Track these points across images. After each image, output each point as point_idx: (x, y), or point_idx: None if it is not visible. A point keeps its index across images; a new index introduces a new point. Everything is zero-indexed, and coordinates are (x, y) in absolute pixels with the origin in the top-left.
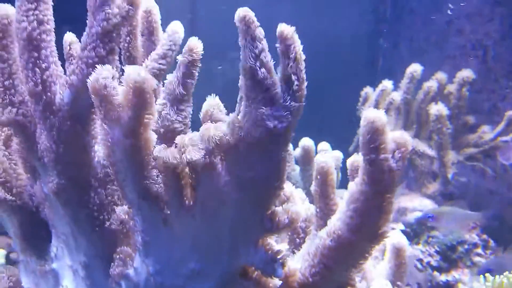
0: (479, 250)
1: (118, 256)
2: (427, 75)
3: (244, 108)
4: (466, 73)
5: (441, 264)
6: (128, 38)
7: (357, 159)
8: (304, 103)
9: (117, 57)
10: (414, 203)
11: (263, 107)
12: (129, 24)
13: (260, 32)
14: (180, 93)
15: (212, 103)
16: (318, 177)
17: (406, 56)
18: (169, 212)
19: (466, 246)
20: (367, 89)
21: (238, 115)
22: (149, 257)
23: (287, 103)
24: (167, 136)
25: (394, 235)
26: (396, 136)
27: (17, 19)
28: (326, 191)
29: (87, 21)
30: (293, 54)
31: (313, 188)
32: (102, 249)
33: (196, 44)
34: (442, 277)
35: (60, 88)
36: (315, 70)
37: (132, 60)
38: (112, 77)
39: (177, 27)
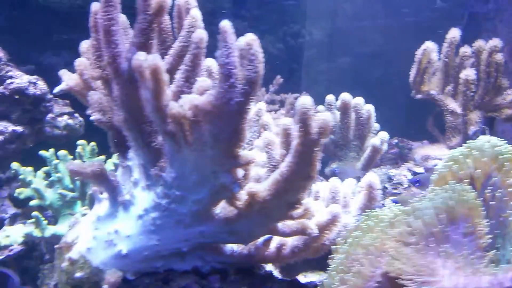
0: None
1: (158, 164)
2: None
3: (216, 89)
4: (494, 43)
5: None
6: (177, 19)
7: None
8: (255, 91)
9: (155, 40)
10: (436, 152)
11: (227, 92)
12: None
13: (231, 42)
14: (188, 68)
15: (203, 83)
16: (283, 133)
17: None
18: (180, 144)
19: None
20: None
21: (214, 90)
22: (172, 168)
23: (242, 89)
24: (178, 96)
25: (370, 175)
26: (320, 118)
27: (99, 16)
28: (288, 144)
29: None
30: (252, 57)
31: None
32: (150, 158)
33: (200, 36)
34: None
35: (122, 60)
36: None
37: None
38: (144, 60)
39: (195, 13)
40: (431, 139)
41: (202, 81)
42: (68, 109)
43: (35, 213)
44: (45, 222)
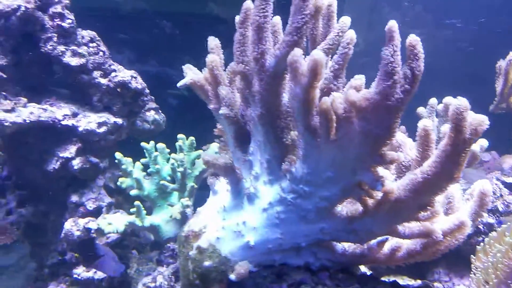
0: None
1: (287, 160)
2: None
3: (376, 86)
4: None
5: None
6: (313, 21)
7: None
8: (414, 89)
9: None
10: None
11: (389, 88)
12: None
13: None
14: (337, 67)
15: (358, 80)
16: (422, 134)
17: None
18: (320, 140)
19: None
20: (500, 62)
21: (371, 89)
22: (304, 164)
23: (405, 88)
24: (326, 92)
25: (483, 182)
26: (474, 118)
27: (253, 13)
28: (425, 145)
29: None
30: (415, 57)
31: (416, 141)
32: (278, 153)
33: (351, 36)
34: None
35: (269, 57)
36: None
37: (313, 37)
38: (300, 56)
39: (345, 19)
40: (498, 150)
41: (357, 78)
42: (154, 105)
43: (137, 202)
44: (144, 212)
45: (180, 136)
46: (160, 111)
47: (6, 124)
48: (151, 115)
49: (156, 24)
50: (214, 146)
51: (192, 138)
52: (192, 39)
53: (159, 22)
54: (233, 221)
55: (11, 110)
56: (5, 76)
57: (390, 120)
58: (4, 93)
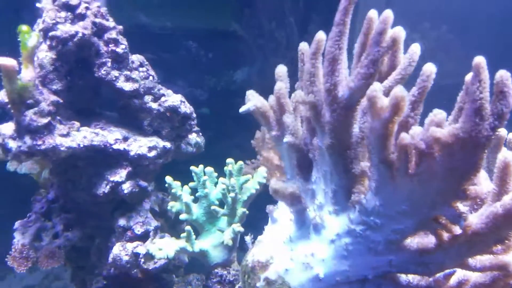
0: None
1: (356, 190)
2: None
3: (463, 122)
4: None
5: None
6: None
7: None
8: (502, 126)
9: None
10: None
11: (477, 125)
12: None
13: (486, 78)
14: (415, 99)
15: (438, 113)
16: (501, 166)
17: None
18: (396, 173)
19: None
20: None
21: (456, 123)
22: (376, 196)
23: (494, 124)
24: (404, 126)
25: None
26: None
27: (328, 44)
28: (504, 178)
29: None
30: (506, 93)
31: (495, 173)
32: (345, 183)
33: (431, 69)
34: None
35: (341, 88)
36: None
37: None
38: (380, 91)
39: (415, 48)
40: None
41: (438, 113)
42: (196, 127)
43: (187, 227)
44: (194, 237)
45: (229, 160)
46: (200, 134)
47: (62, 148)
48: (193, 138)
49: (182, 44)
50: (262, 171)
51: (240, 162)
52: (212, 58)
53: (184, 42)
54: (301, 252)
55: (66, 135)
56: (61, 101)
57: (477, 156)
58: (58, 118)
